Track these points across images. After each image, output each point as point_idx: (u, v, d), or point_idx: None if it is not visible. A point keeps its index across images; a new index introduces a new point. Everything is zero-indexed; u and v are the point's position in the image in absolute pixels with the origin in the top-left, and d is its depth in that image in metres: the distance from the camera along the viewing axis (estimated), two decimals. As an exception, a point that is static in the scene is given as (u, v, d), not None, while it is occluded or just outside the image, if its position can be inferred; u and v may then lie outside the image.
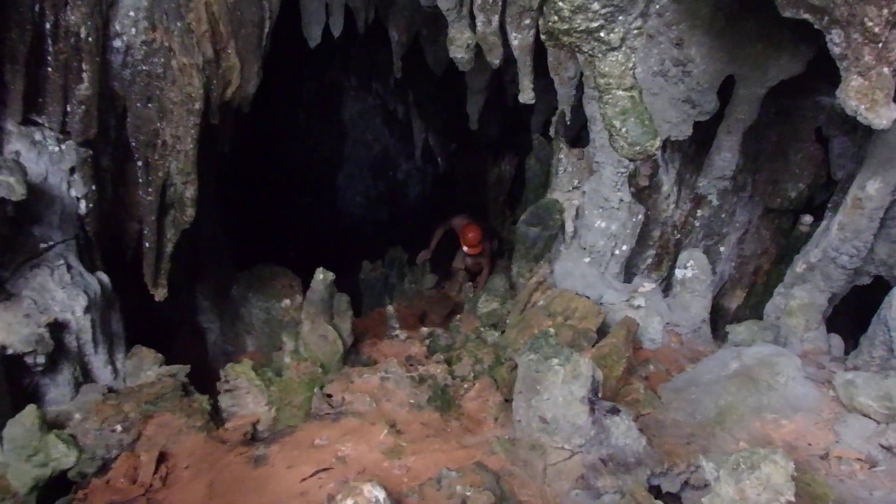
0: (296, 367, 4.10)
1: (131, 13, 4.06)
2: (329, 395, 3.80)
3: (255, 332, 5.74)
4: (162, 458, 3.39)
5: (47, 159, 3.88)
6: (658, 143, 3.64)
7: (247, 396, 3.88)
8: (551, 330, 3.55)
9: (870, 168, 3.98)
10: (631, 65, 3.50)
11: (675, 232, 5.35)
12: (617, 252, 4.99)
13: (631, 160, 4.01)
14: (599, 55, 3.45)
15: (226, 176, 6.36)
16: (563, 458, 3.13)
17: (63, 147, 3.93)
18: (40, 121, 3.90)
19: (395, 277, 7.30)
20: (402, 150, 10.62)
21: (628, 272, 5.28)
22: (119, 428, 3.46)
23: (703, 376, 3.91)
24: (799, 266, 4.59)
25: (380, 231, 10.77)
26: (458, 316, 5.48)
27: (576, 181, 5.37)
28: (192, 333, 5.84)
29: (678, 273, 4.89)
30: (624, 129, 3.58)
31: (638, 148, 3.58)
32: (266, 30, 4.69)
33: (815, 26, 2.92)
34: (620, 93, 3.52)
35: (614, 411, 3.32)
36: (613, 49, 3.43)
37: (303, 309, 4.29)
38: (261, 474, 3.23)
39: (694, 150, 5.10)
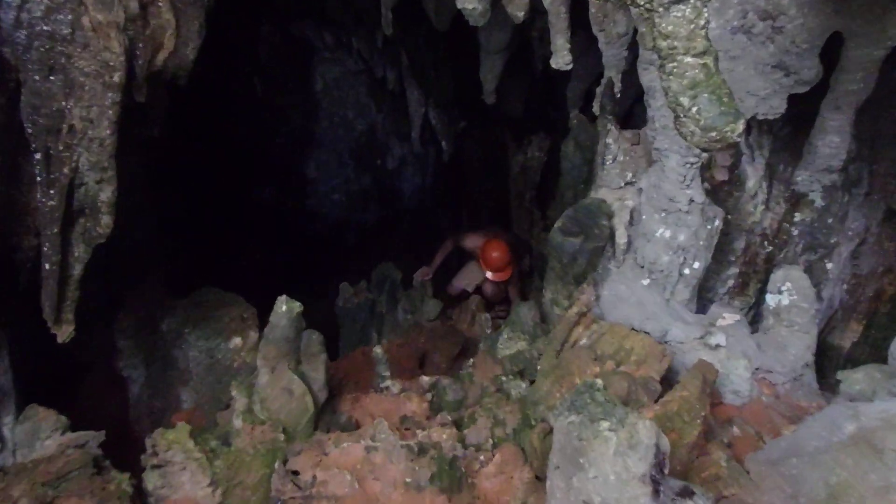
0: (249, 433, 4.10)
1: (25, -46, 4.07)
2: (295, 473, 3.80)
3: (194, 382, 5.73)
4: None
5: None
6: (741, 125, 3.61)
7: (182, 474, 3.88)
8: (598, 381, 3.52)
9: None
10: (703, 22, 3.47)
11: (766, 243, 5.34)
12: (686, 271, 4.97)
13: (704, 149, 3.98)
14: (660, 9, 3.43)
15: (156, 171, 6.36)
16: (615, 560, 3.11)
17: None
18: None
19: (384, 304, 7.30)
20: (394, 129, 10.67)
21: (702, 299, 5.27)
22: (8, 519, 3.45)
23: (807, 443, 3.88)
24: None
25: (364, 240, 10.80)
26: (472, 360, 5.48)
27: (629, 174, 5.36)
28: (109, 384, 5.82)
29: (770, 300, 4.87)
30: (694, 109, 3.56)
31: (714, 134, 3.55)
32: (210, -27, 4.70)
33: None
34: (689, 59, 3.48)
35: (686, 493, 3.29)
36: (679, 1, 3.40)
37: (259, 351, 4.28)
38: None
39: (789, 132, 5.09)
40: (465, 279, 7.54)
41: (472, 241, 7.36)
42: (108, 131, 4.34)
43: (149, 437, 3.98)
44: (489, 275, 7.07)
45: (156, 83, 4.71)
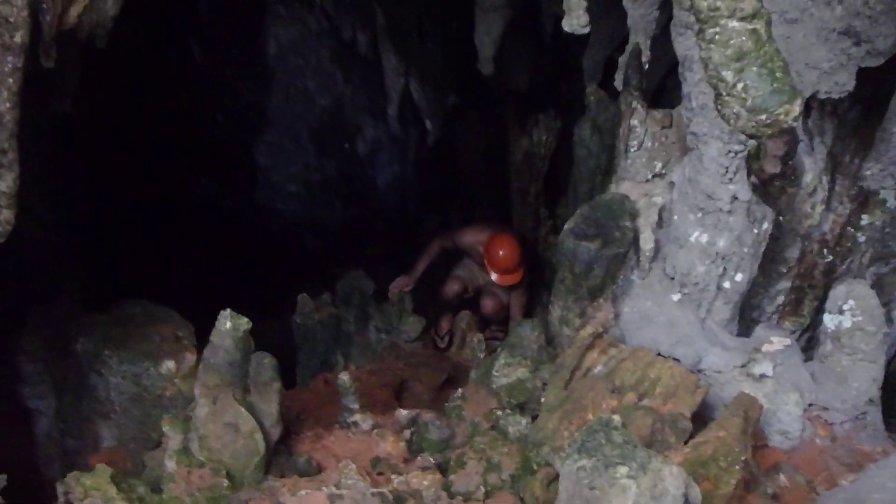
0: (185, 478, 4.10)
1: None
2: (241, 527, 3.81)
3: (117, 415, 5.74)
4: None
5: None
6: (798, 107, 3.65)
7: (102, 528, 3.89)
8: (616, 417, 3.56)
9: None
10: (752, -23, 3.53)
11: (825, 252, 5.38)
12: (727, 285, 5.01)
13: (752, 136, 4.02)
14: (699, -41, 3.48)
15: (69, 157, 6.38)
16: None
17: None
18: None
19: (353, 322, 7.33)
20: (367, 105, 10.67)
21: (745, 319, 5.31)
22: None
23: (870, 496, 3.92)
24: None
25: (328, 243, 10.80)
26: (460, 390, 5.46)
27: (658, 165, 5.40)
28: (11, 418, 5.82)
29: (829, 321, 4.90)
30: (740, 85, 3.59)
31: (764, 116, 3.59)
32: None
33: None
34: (735, 24, 3.52)
35: (722, 557, 3.34)
36: (723, -51, 3.45)
37: (197, 378, 4.31)
38: None
39: (858, 115, 5.11)
40: (451, 286, 7.53)
41: (472, 237, 7.39)
42: (7, 104, 4.30)
43: (61, 483, 3.95)
44: (496, 277, 7.10)
45: (68, 45, 4.68)
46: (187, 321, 5.97)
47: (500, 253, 6.97)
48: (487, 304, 7.47)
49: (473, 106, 9.57)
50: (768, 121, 3.61)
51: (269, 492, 4.01)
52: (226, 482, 4.11)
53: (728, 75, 3.64)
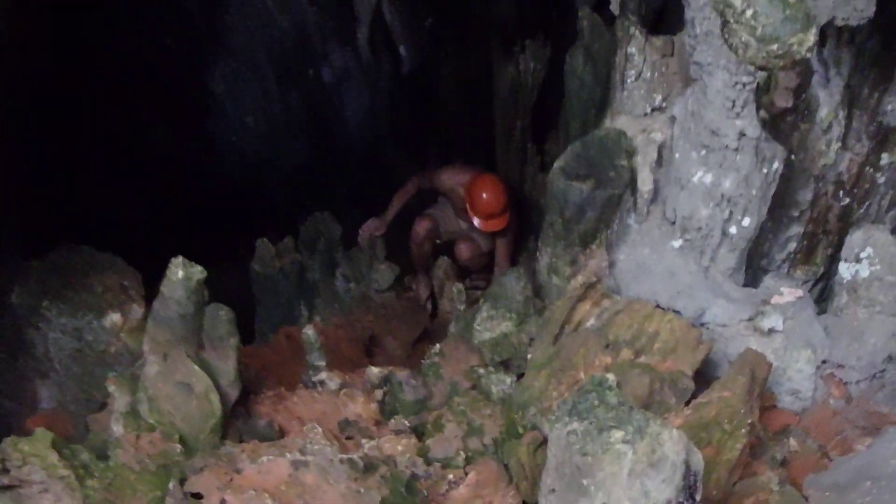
0: (134, 443, 4.10)
1: None
2: (196, 496, 3.81)
3: (57, 374, 5.73)
4: None
5: None
6: (812, 36, 3.67)
7: (42, 498, 3.89)
8: (610, 376, 3.58)
9: None
10: None
11: (842, 194, 5.41)
12: (733, 230, 5.04)
13: (762, 68, 4.04)
14: None
15: (8, 90, 6.34)
16: None
17: None
18: None
19: (318, 270, 7.32)
20: (334, 28, 10.58)
21: (753, 268, 5.35)
22: None
23: (887, 463, 3.96)
24: None
25: (290, 183, 10.75)
26: (438, 346, 5.46)
27: (658, 98, 5.41)
28: (-62, 377, 5.83)
29: (845, 270, 4.94)
30: (749, 12, 3.61)
31: (775, 46, 3.61)
32: None
33: None
34: (743, -58, 3.55)
35: (724, 528, 3.38)
36: None
37: (146, 333, 4.31)
38: None
39: (877, 44, 5.12)
40: (419, 230, 7.52)
41: (451, 178, 7.41)
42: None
43: (-5, 447, 3.98)
44: (479, 223, 7.11)
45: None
46: (134, 269, 5.94)
47: (484, 196, 6.99)
48: (463, 250, 7.48)
49: (453, 31, 9.52)
50: (780, 51, 3.64)
51: (227, 458, 4.00)
52: (178, 448, 4.13)
53: (736, 1, 3.65)
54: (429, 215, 7.67)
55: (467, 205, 7.13)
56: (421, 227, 7.62)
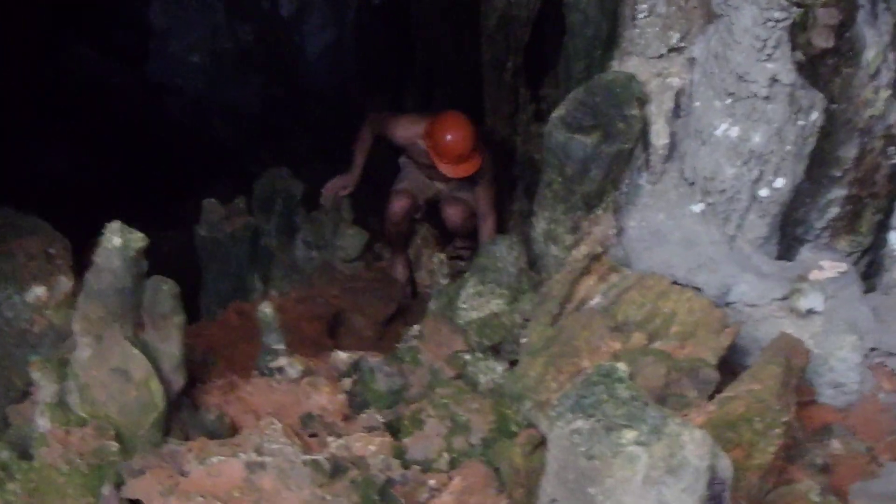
0: (62, 440, 4.09)
1: None
2: (135, 503, 3.79)
3: (-28, 356, 5.73)
4: None
5: None
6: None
7: (-46, 502, 3.88)
8: (620, 364, 3.56)
9: None
10: None
11: (892, 150, 5.40)
12: (764, 193, 5.04)
13: (799, 4, 4.01)
14: None
15: None
16: None
17: None
18: None
19: (274, 235, 7.29)
20: (291, -53, 10.60)
21: (787, 238, 5.35)
22: None
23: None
24: None
25: (242, 132, 10.74)
26: (416, 326, 5.48)
27: (675, 36, 5.39)
28: None
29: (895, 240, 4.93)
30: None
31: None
32: None
33: None
34: None
35: (755, 545, 3.36)
36: None
37: (77, 309, 4.28)
38: None
39: (933, -27, 5.12)
40: (407, 195, 7.50)
41: (405, 130, 7.39)
42: None
43: None
44: (447, 170, 7.09)
45: None
46: (61, 235, 5.89)
47: (449, 137, 6.96)
48: (452, 215, 7.49)
49: (433, -52, 9.52)
50: (822, -16, 3.61)
51: (171, 457, 4.01)
52: (115, 445, 4.09)
53: (772, -78, 3.62)
54: (405, 191, 7.65)
55: (431, 153, 7.11)
56: (398, 206, 7.59)
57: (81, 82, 10.29)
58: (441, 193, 7.56)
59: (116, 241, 4.16)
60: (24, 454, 4.09)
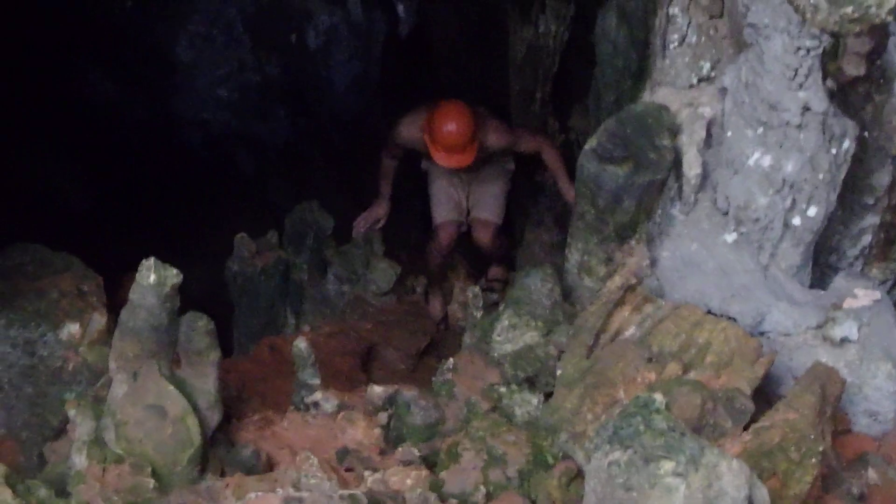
0: (99, 477, 4.11)
1: None
2: (172, 539, 3.84)
3: (5, 394, 5.73)
4: None
5: None
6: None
7: (-7, 542, 3.91)
8: (657, 395, 3.59)
9: None
10: None
11: (925, 178, 5.38)
12: (797, 221, 5.04)
13: (834, 34, 4.04)
14: None
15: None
16: None
17: None
18: None
19: (306, 269, 7.33)
20: (317, -15, 10.64)
21: (821, 266, 5.35)
22: None
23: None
24: None
25: (271, 166, 10.77)
26: (451, 360, 5.51)
27: (706, 66, 5.41)
28: None
29: (931, 270, 4.95)
30: (819, -31, 3.61)
31: (850, 9, 3.61)
32: None
33: None
34: None
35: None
36: None
37: (112, 347, 4.31)
38: None
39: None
40: (452, 224, 7.52)
41: (410, 125, 7.39)
42: None
43: (-63, 483, 3.99)
44: (438, 157, 7.07)
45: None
46: (93, 271, 5.94)
47: (445, 128, 6.93)
48: (482, 235, 7.56)
49: (458, -13, 9.56)
50: (856, 14, 3.64)
51: (208, 494, 4.03)
52: (151, 482, 4.11)
53: (802, -45, 3.66)
54: (450, 221, 7.70)
55: (427, 141, 7.09)
56: (446, 239, 7.65)
57: (106, 117, 10.32)
58: (471, 195, 7.64)
59: (152, 277, 4.21)
60: (61, 492, 4.10)
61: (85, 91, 10.35)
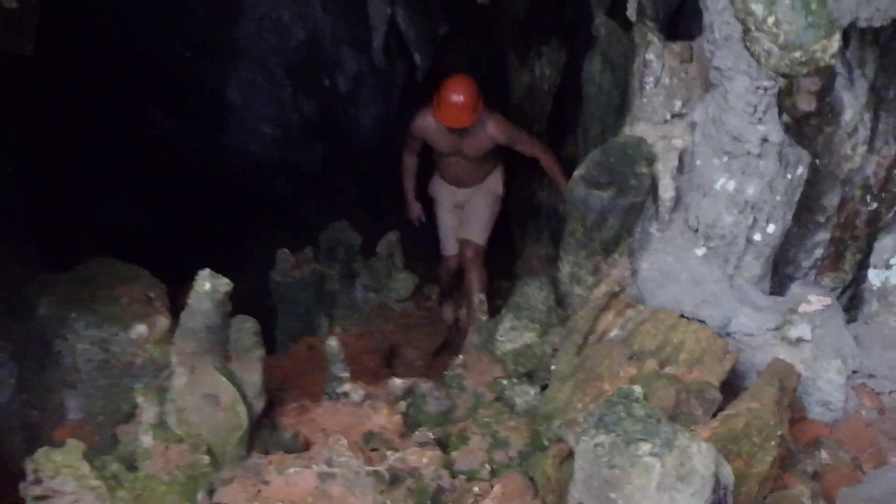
0: (162, 454, 4.11)
1: None
2: (224, 508, 3.84)
3: (84, 385, 5.74)
4: None
5: None
6: (836, 42, 3.67)
7: (73, 509, 3.91)
8: (637, 387, 3.58)
9: None
10: None
11: (869, 198, 5.39)
12: (758, 237, 5.05)
13: (785, 75, 4.03)
14: None
15: (21, 98, 6.33)
16: None
17: None
18: None
19: (337, 280, 7.32)
20: (348, 36, 10.60)
21: (779, 276, 5.36)
22: None
23: (923, 473, 3.97)
24: None
25: (307, 191, 10.76)
26: (461, 356, 5.47)
27: (678, 103, 5.41)
28: (-35, 388, 5.83)
29: (875, 277, 4.92)
30: (771, 20, 3.60)
31: (798, 54, 3.61)
32: None
33: None
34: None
35: (755, 541, 3.38)
36: None
37: (173, 344, 4.31)
38: None
39: (903, 44, 5.13)
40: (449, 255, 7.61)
41: (422, 116, 7.44)
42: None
43: (29, 460, 3.97)
44: (441, 115, 7.07)
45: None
46: (158, 279, 5.95)
47: (452, 98, 6.98)
48: (464, 252, 7.63)
49: (467, 37, 9.53)
50: (803, 58, 3.64)
51: (254, 470, 4.01)
52: (206, 459, 4.13)
53: (758, 8, 3.65)
54: (454, 256, 7.86)
55: (435, 109, 7.14)
56: (453, 264, 7.84)
57: (166, 150, 10.33)
58: (462, 217, 7.72)
59: (207, 285, 4.21)
60: (131, 467, 4.10)
61: (148, 128, 10.36)
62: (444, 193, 7.83)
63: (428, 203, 8.08)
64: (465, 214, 7.72)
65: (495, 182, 7.81)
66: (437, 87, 7.16)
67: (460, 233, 7.73)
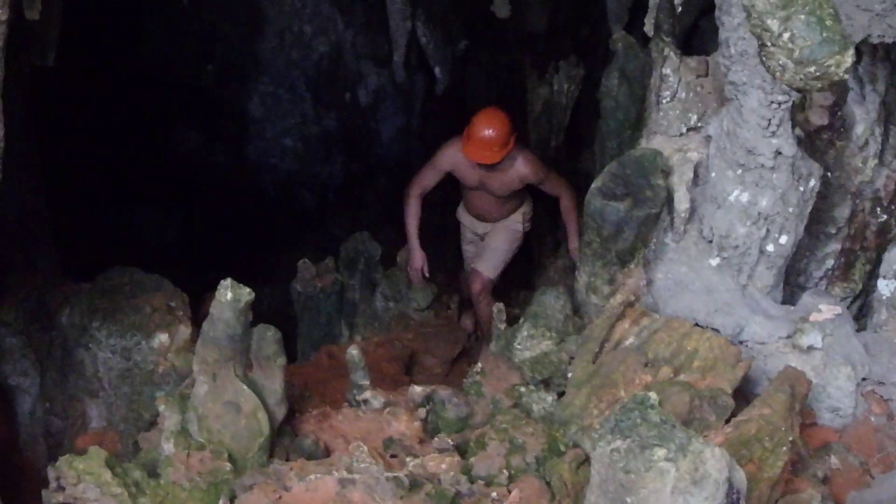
0: (184, 461, 4.11)
1: None
2: (246, 514, 3.84)
3: (106, 393, 5.76)
4: None
5: None
6: (849, 57, 3.66)
7: (96, 515, 3.92)
8: (651, 394, 3.58)
9: None
10: None
11: (879, 210, 5.37)
12: (770, 248, 5.03)
13: (800, 89, 4.03)
14: None
15: (46, 111, 6.35)
16: None
17: None
18: None
19: (358, 289, 7.34)
20: (369, 51, 10.64)
21: (791, 285, 5.34)
22: None
23: (929, 480, 3.96)
24: None
25: (328, 203, 10.78)
26: (479, 364, 5.46)
27: (693, 117, 5.41)
28: (-8, 397, 5.86)
29: (884, 287, 4.91)
30: (787, 35, 3.60)
31: (812, 69, 3.61)
32: None
33: None
34: (780, -34, 3.55)
35: (767, 544, 3.37)
36: None
37: (195, 353, 4.31)
38: None
39: (914, 60, 5.13)
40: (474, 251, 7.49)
41: (450, 148, 6.96)
42: (-8, 60, 4.31)
43: (52, 467, 3.98)
44: (468, 151, 6.68)
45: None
46: (180, 289, 5.97)
47: (481, 122, 6.65)
48: (472, 282, 7.32)
49: (486, 51, 9.54)
50: (817, 73, 3.63)
51: (275, 476, 4.00)
52: (228, 466, 4.14)
53: (773, 24, 3.65)
54: (477, 273, 7.39)
55: (463, 143, 6.72)
56: (478, 285, 7.30)
57: (191, 162, 10.37)
58: (480, 248, 7.58)
59: (228, 295, 4.21)
60: (153, 473, 4.11)
61: (174, 142, 10.41)
62: (466, 223, 7.66)
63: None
64: (483, 246, 7.54)
65: (518, 219, 7.48)
66: (468, 120, 6.79)
67: (474, 263, 7.54)
